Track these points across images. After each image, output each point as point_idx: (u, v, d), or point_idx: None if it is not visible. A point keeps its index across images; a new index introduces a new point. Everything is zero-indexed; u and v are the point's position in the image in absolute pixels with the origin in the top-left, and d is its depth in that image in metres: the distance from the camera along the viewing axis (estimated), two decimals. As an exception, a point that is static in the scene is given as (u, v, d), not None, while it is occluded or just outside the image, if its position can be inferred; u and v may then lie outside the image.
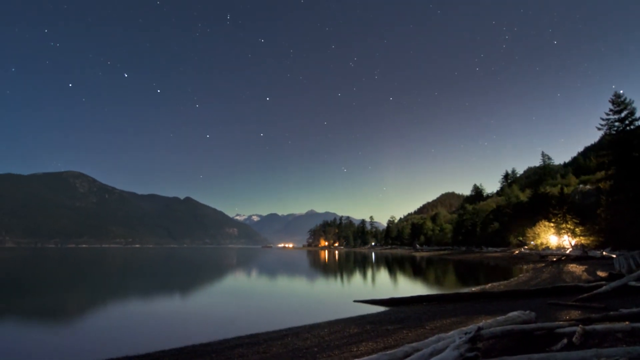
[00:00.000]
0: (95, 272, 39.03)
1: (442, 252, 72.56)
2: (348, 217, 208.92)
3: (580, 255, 33.03)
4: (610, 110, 35.66)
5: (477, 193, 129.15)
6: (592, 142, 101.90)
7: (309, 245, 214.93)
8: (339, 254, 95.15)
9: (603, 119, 36.47)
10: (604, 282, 12.03)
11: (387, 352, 4.30)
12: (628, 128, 34.34)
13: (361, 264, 51.89)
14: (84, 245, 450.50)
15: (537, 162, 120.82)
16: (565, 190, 57.20)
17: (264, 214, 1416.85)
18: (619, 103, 35.09)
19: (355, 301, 15.03)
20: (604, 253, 31.50)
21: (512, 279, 20.07)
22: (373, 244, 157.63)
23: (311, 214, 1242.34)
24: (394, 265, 45.90)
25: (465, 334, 4.57)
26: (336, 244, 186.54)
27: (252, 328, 10.42)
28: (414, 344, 4.61)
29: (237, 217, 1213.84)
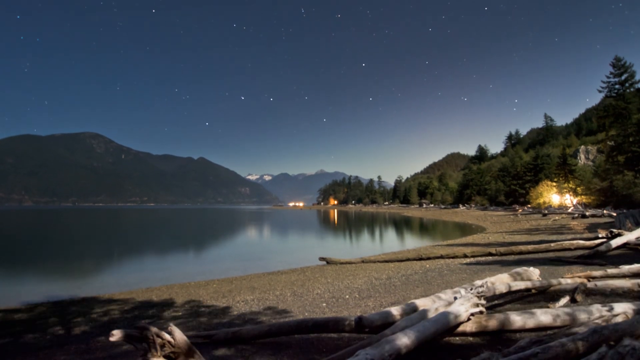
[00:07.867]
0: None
1: (447, 211, 73.11)
2: (357, 177, 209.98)
3: (581, 213, 33.12)
4: (611, 73, 36.21)
5: (482, 153, 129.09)
6: (593, 104, 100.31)
7: (319, 204, 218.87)
8: (348, 213, 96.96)
9: (604, 82, 36.90)
10: (604, 240, 12.10)
11: (396, 307, 4.52)
12: (628, 90, 35.10)
13: (370, 222, 53.27)
14: (100, 204, 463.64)
15: (540, 123, 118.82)
16: (567, 150, 56.56)
17: (276, 173, 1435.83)
18: (620, 66, 35.60)
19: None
20: (605, 212, 31.62)
21: (517, 236, 20.37)
22: (381, 203, 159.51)
23: (321, 174, 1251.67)
24: (400, 224, 46.97)
25: (471, 289, 4.77)
26: (345, 203, 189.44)
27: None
28: (421, 299, 4.81)
29: (249, 177, 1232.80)
